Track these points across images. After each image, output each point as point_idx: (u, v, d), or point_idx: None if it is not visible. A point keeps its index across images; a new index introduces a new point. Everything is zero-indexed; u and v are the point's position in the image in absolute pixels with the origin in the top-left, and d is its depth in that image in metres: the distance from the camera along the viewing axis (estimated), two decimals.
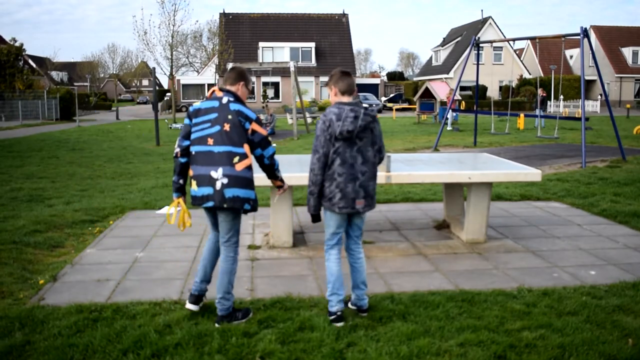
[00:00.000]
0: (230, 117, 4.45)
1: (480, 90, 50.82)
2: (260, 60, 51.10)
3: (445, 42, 64.42)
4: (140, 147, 19.87)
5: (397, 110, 45.41)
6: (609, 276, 5.77)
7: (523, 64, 59.75)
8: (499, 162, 7.53)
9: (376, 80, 63.70)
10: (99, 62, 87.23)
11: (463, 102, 33.51)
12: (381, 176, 6.30)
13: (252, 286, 5.49)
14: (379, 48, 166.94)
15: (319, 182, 4.52)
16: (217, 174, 4.40)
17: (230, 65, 24.61)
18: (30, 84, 47.22)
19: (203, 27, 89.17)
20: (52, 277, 5.68)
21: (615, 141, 15.70)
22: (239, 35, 53.96)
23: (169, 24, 36.03)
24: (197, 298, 4.77)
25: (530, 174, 6.78)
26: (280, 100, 52.84)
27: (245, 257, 6.43)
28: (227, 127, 4.44)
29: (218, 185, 4.40)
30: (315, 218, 4.66)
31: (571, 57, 64.04)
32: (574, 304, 4.93)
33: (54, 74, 78.98)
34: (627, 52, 59.73)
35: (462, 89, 50.58)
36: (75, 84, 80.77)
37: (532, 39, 16.71)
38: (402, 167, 6.80)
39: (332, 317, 4.55)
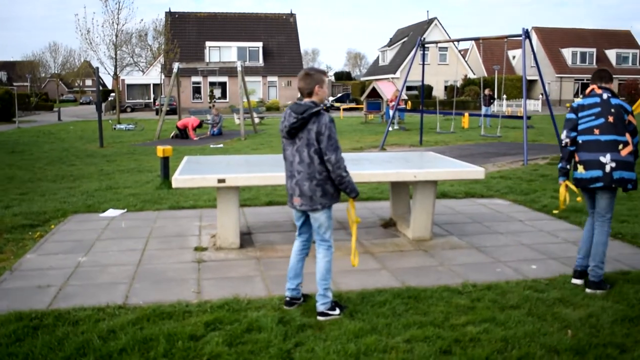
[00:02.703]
0: (613, 110, 5.22)
1: (426, 90, 51.53)
2: (207, 60, 50.61)
3: (391, 43, 65.11)
4: (83, 149, 19.40)
5: (344, 110, 45.65)
6: (549, 270, 5.94)
7: (467, 64, 60.90)
8: (444, 160, 7.65)
9: None
10: (40, 61, 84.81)
11: (409, 102, 33.92)
12: None
13: (198, 288, 5.43)
14: (326, 48, 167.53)
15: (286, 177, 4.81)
16: (606, 159, 5.11)
17: (176, 65, 24.25)
18: None
19: (148, 26, 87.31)
20: None
21: (556, 139, 16.18)
22: (185, 34, 53.31)
23: (113, 22, 35.23)
24: (580, 273, 5.47)
25: (474, 171, 6.92)
26: (227, 100, 52.42)
27: (191, 259, 6.35)
28: (610, 119, 5.19)
29: (607, 168, 5.12)
30: None
31: (514, 57, 65.61)
32: (516, 298, 5.06)
33: None
34: (567, 52, 61.57)
35: (409, 88, 51.23)
36: (15, 84, 78.18)
37: (476, 39, 17.06)
38: (349, 167, 6.78)
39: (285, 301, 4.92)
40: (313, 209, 4.62)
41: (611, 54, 62.29)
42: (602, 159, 5.14)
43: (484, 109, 28.23)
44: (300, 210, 4.76)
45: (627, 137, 5.20)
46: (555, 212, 7.83)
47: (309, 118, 4.48)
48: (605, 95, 5.30)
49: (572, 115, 5.39)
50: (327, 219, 4.70)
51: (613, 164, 5.11)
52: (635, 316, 4.66)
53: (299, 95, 4.73)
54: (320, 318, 4.64)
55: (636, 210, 8.48)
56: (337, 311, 4.69)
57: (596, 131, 5.21)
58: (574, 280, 5.48)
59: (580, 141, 5.29)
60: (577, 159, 5.32)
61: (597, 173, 5.16)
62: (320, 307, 4.69)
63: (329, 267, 4.72)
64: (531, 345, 4.16)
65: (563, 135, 5.41)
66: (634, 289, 5.27)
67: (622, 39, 64.55)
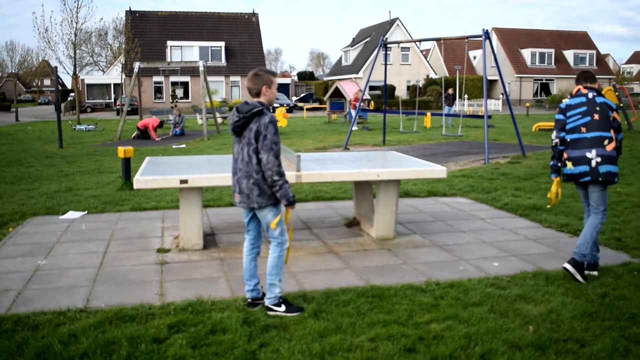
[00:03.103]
0: (598, 108, 5.51)
1: (388, 90, 51.89)
2: (169, 60, 50.05)
3: (354, 43, 65.34)
4: (42, 150, 18.99)
5: (307, 109, 45.67)
6: (511, 267, 6.04)
7: (429, 64, 61.52)
8: (406, 160, 7.71)
9: (287, 80, 63.91)
10: None
11: (372, 102, 34.08)
12: (291, 175, 6.30)
13: (161, 290, 5.37)
14: (289, 48, 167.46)
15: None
16: (592, 154, 5.40)
17: (137, 64, 23.94)
18: None
19: (108, 24, 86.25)
20: None
21: (516, 138, 16.43)
22: (147, 33, 52.63)
23: (72, 21, 34.53)
24: (590, 265, 5.73)
25: (436, 170, 6.99)
26: (189, 100, 51.94)
27: (154, 261, 6.28)
28: (596, 116, 5.48)
29: (593, 163, 5.40)
30: None
31: (474, 57, 66.55)
32: (478, 295, 5.13)
33: None
34: (526, 53, 62.62)
35: (372, 88, 51.51)
36: None
37: (437, 40, 17.23)
38: (312, 166, 6.84)
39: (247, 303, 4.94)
40: (250, 207, 4.69)
41: (569, 54, 63.63)
42: (588, 154, 5.44)
43: (445, 109, 28.54)
44: (243, 208, 4.82)
45: (612, 133, 5.48)
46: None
47: (250, 117, 4.58)
48: (590, 95, 5.61)
49: (561, 116, 5.68)
50: (274, 216, 4.72)
51: (599, 159, 5.41)
52: (594, 311, 4.77)
53: None
54: (268, 312, 4.73)
55: None
56: (283, 308, 4.72)
57: (583, 129, 5.51)
58: (592, 273, 5.72)
59: (568, 139, 5.59)
60: (565, 156, 5.61)
61: (584, 168, 5.46)
62: (265, 302, 4.79)
63: (276, 263, 4.77)
64: (493, 341, 4.22)
65: (553, 136, 5.71)
66: (592, 284, 5.39)
67: (579, 40, 65.99)
